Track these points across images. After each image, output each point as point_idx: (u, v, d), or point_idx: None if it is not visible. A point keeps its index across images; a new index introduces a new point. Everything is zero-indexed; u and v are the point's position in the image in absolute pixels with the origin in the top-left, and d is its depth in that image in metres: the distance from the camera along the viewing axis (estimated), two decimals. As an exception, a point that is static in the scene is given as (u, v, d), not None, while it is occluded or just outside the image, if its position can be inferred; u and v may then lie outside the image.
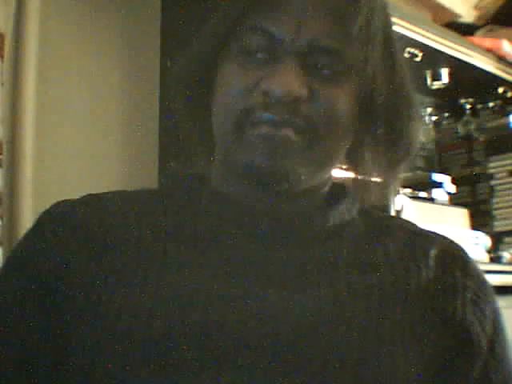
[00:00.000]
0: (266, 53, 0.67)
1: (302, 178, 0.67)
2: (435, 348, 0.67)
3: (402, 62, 0.73)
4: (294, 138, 0.65)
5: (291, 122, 0.65)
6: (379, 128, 0.72)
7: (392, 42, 0.72)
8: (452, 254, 0.73)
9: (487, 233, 1.86)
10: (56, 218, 0.71)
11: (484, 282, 0.73)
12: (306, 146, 0.66)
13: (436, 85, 1.86)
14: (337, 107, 0.67)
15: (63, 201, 0.73)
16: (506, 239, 1.95)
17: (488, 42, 1.87)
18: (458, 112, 2.11)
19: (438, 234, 0.75)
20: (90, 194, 0.74)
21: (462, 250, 0.75)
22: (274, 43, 0.67)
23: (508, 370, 0.71)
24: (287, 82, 0.65)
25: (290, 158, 0.66)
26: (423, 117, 2.00)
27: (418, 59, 1.59)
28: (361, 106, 0.70)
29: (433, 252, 0.72)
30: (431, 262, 0.71)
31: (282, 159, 0.65)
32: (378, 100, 0.70)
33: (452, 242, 0.75)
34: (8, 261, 0.73)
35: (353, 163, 0.75)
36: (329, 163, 0.71)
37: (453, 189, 1.84)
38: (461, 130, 2.10)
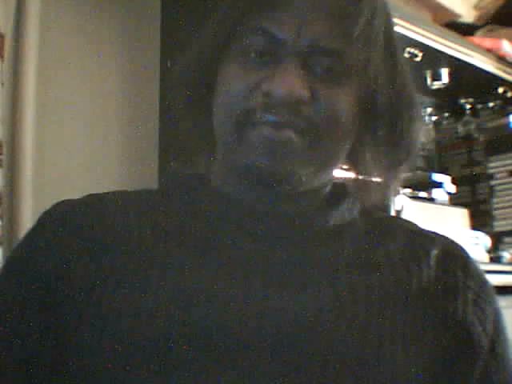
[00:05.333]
0: (267, 54, 0.67)
1: (303, 179, 0.67)
2: (436, 348, 0.67)
3: (403, 63, 0.73)
4: (295, 139, 0.65)
5: (292, 123, 0.65)
6: (380, 128, 0.71)
7: (393, 43, 0.71)
8: (453, 253, 0.73)
9: (487, 233, 1.85)
10: (57, 218, 0.71)
11: (485, 282, 0.73)
12: (306, 146, 0.66)
13: (436, 85, 1.86)
14: (338, 108, 0.67)
15: (64, 201, 0.73)
16: (506, 239, 1.95)
17: (488, 42, 1.87)
18: (457, 112, 2.11)
19: (439, 234, 0.75)
20: (91, 194, 0.74)
21: (462, 249, 0.75)
22: (274, 44, 0.66)
23: (509, 371, 0.71)
24: (288, 82, 0.65)
25: (290, 159, 0.66)
26: (424, 117, 2.00)
27: (418, 59, 1.59)
28: (362, 106, 0.70)
29: (434, 252, 0.72)
30: (432, 262, 0.71)
31: (282, 160, 0.65)
32: (379, 101, 0.70)
33: (453, 241, 0.75)
34: (8, 261, 0.73)
35: (354, 163, 0.75)
36: (330, 164, 0.71)
37: (453, 189, 1.84)
38: (461, 130, 2.10)
